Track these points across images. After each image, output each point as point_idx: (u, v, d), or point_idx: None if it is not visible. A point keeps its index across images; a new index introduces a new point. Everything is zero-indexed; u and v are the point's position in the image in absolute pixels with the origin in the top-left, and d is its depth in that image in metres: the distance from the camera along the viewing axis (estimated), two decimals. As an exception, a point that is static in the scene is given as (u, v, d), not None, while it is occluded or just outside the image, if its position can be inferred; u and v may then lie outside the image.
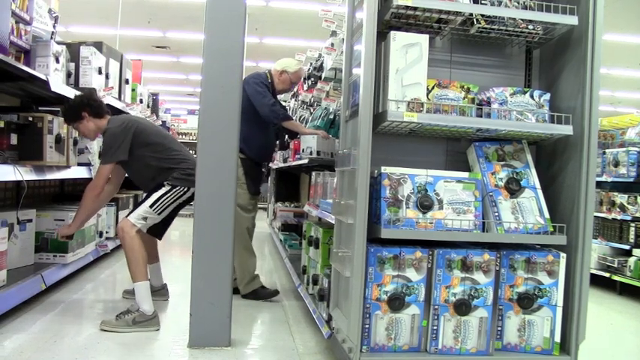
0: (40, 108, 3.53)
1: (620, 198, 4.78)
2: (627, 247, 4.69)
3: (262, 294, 3.73)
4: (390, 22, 2.35)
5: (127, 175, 3.41)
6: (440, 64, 2.53)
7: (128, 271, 3.02)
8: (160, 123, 7.28)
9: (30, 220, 3.48)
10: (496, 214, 2.29)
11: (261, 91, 3.66)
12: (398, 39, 2.20)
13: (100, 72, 4.22)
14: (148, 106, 6.39)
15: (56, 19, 3.96)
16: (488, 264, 2.22)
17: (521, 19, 2.35)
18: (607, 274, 4.81)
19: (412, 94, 2.19)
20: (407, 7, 2.21)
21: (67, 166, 3.59)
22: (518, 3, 2.33)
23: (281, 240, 5.64)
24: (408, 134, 2.45)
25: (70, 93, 3.59)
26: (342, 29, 3.23)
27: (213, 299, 2.71)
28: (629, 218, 4.67)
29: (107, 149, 3.07)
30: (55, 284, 3.55)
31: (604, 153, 5.02)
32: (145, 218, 3.06)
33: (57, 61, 3.61)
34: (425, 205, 2.19)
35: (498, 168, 2.37)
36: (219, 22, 2.73)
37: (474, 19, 2.33)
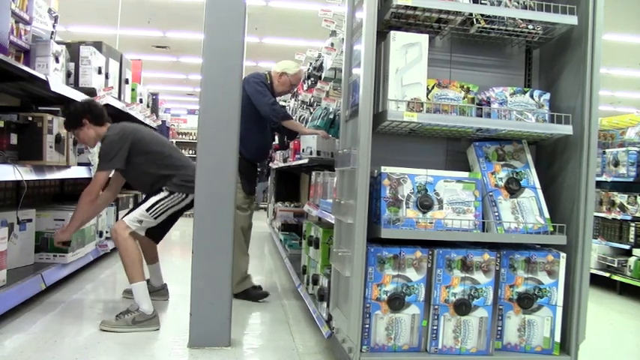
0: (39, 108, 3.53)
1: (620, 198, 4.78)
2: (627, 247, 4.69)
3: (253, 294, 3.73)
4: (389, 21, 2.35)
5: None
6: (440, 63, 2.53)
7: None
8: (160, 123, 7.28)
9: (30, 220, 3.48)
10: (496, 213, 2.29)
11: (262, 90, 3.66)
12: (398, 39, 2.20)
13: (99, 72, 4.22)
14: (148, 106, 6.39)
15: (56, 18, 3.96)
16: (488, 264, 2.22)
17: (521, 19, 2.35)
18: (607, 274, 4.81)
19: (412, 94, 2.19)
20: (407, 7, 2.21)
21: (67, 166, 3.59)
22: (518, 3, 2.33)
23: (281, 240, 5.64)
24: (407, 134, 2.45)
25: (70, 93, 3.59)
26: (342, 29, 3.22)
27: (213, 299, 2.71)
28: (629, 218, 4.67)
29: (104, 156, 3.07)
30: (55, 284, 3.55)
31: (604, 153, 5.02)
32: (140, 221, 3.05)
33: (57, 60, 3.61)
34: (425, 204, 2.19)
35: (498, 168, 2.37)
36: (218, 22, 2.73)
37: (474, 19, 2.33)
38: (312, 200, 3.84)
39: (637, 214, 4.60)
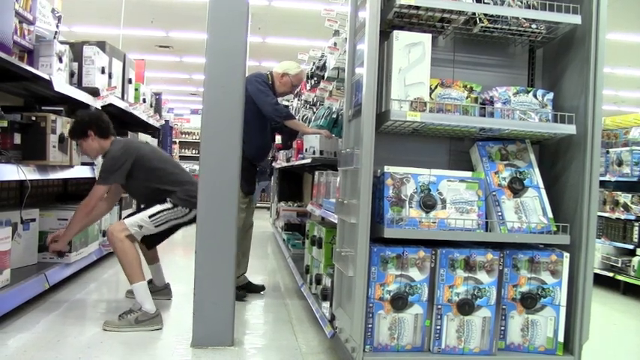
0: (43, 108, 3.53)
1: (624, 197, 4.76)
2: (631, 247, 4.68)
3: (237, 295, 3.72)
4: (392, 21, 2.35)
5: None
6: (443, 63, 2.52)
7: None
8: (163, 122, 7.29)
9: (33, 220, 3.49)
10: (499, 213, 2.28)
11: (264, 89, 3.66)
12: (401, 38, 2.20)
13: (103, 71, 4.23)
14: (151, 106, 6.40)
15: (59, 18, 3.96)
16: (491, 263, 2.22)
17: (525, 19, 2.34)
18: (611, 274, 4.79)
19: (415, 94, 2.19)
20: (410, 7, 2.21)
21: (71, 166, 3.60)
22: (522, 2, 2.32)
23: (284, 239, 5.64)
24: (410, 134, 2.44)
25: (74, 93, 3.60)
26: (345, 29, 3.22)
27: (216, 299, 2.71)
28: (632, 218, 4.65)
29: (105, 171, 3.08)
30: (58, 284, 3.56)
31: (607, 152, 5.01)
32: (140, 226, 3.06)
33: (60, 60, 3.61)
34: (428, 204, 2.19)
35: (501, 167, 2.36)
36: (222, 22, 2.73)
37: (477, 19, 2.32)
38: (315, 200, 3.84)
39: (641, 214, 4.59)
